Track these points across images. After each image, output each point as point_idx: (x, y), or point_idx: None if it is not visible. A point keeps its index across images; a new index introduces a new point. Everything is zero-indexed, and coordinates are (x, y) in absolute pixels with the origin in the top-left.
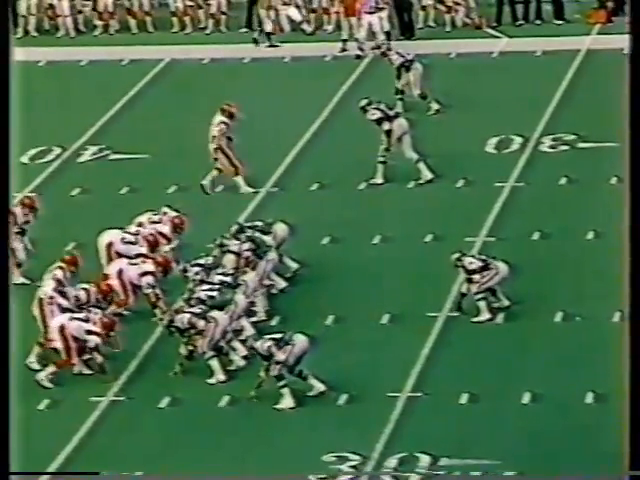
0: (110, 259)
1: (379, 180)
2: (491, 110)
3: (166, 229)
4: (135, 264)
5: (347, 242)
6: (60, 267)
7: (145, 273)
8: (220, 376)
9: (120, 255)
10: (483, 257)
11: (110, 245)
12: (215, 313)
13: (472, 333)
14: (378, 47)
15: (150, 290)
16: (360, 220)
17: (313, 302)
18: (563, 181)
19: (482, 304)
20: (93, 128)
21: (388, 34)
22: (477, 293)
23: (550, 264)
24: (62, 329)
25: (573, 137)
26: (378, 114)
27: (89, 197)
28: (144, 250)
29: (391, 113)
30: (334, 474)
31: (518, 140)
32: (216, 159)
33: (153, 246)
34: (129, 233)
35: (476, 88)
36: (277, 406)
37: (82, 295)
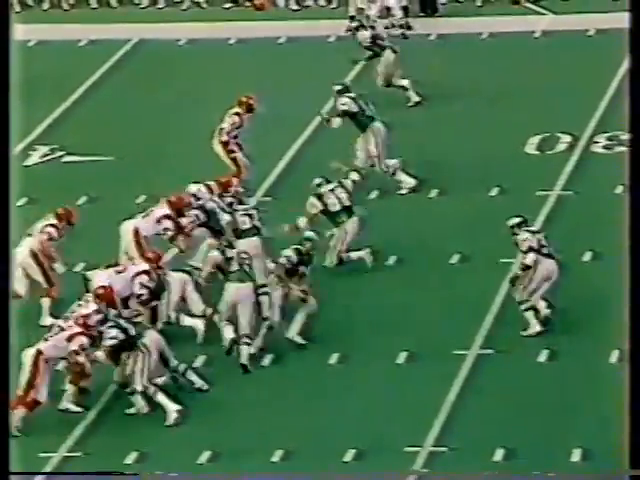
0: (140, 247)
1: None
2: (532, 103)
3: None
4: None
5: (354, 264)
6: None
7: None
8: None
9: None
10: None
11: (137, 231)
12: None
13: (508, 375)
14: (393, 26)
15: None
16: (370, 237)
17: (313, 336)
18: (619, 189)
19: (529, 315)
20: (43, 123)
21: (406, 10)
22: (521, 302)
23: (604, 290)
24: (38, 354)
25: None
26: (349, 107)
27: (38, 208)
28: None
29: (368, 114)
30: None
31: (565, 139)
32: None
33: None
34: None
35: (513, 76)
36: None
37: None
